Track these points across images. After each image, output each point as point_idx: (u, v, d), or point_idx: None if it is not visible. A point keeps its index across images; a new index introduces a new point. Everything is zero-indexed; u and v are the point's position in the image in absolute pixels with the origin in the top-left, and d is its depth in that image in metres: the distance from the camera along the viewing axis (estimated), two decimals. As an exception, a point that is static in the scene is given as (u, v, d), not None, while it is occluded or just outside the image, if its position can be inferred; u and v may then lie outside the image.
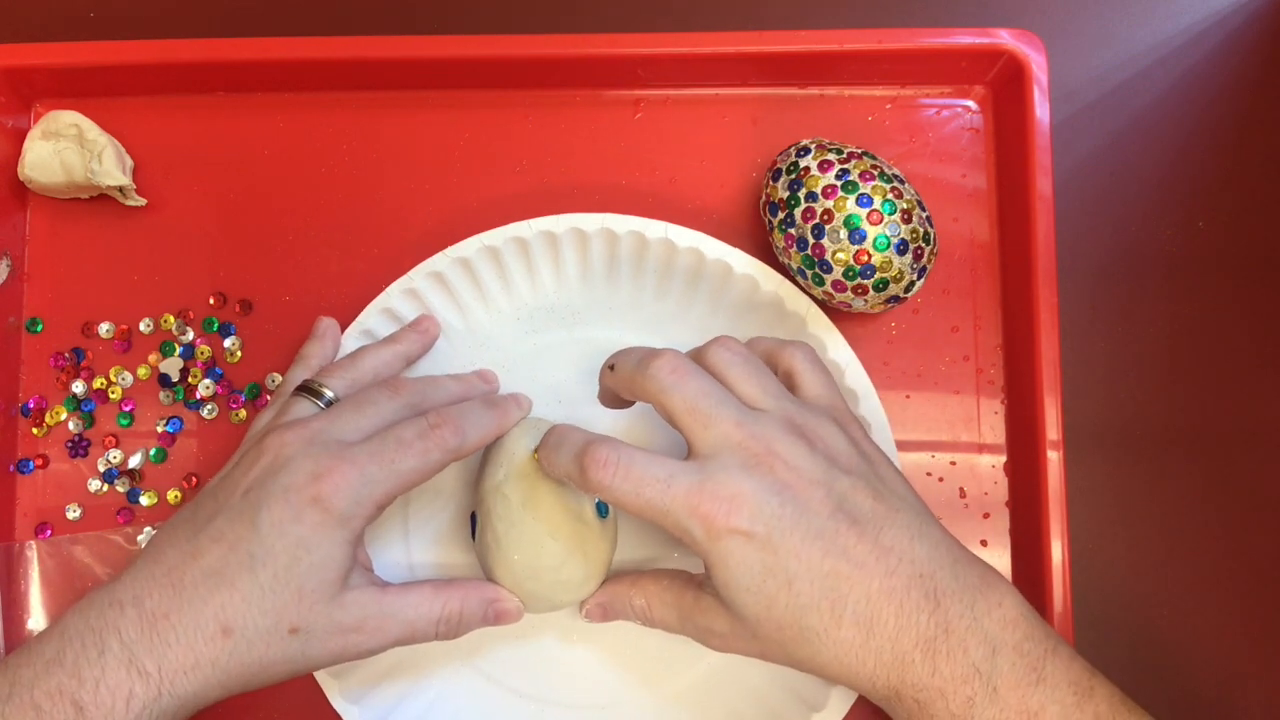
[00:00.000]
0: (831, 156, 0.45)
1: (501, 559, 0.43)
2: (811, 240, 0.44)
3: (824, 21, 0.52)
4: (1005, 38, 0.48)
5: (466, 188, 0.50)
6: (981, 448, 0.49)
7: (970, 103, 0.51)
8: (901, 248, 0.44)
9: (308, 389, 0.43)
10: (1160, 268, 0.51)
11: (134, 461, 0.49)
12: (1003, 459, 0.49)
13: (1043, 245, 0.47)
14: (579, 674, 0.47)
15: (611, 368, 0.42)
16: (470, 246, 0.47)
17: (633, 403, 0.44)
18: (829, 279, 0.45)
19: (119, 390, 0.50)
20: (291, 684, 0.40)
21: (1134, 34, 0.53)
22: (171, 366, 0.50)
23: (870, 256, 0.44)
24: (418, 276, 0.47)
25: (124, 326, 0.50)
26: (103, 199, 0.50)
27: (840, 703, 0.44)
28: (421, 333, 0.47)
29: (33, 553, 0.48)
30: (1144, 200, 0.52)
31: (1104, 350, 0.50)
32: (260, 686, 0.38)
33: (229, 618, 0.37)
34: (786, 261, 0.46)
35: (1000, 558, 0.48)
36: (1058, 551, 0.45)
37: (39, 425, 0.49)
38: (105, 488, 0.49)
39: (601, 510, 0.43)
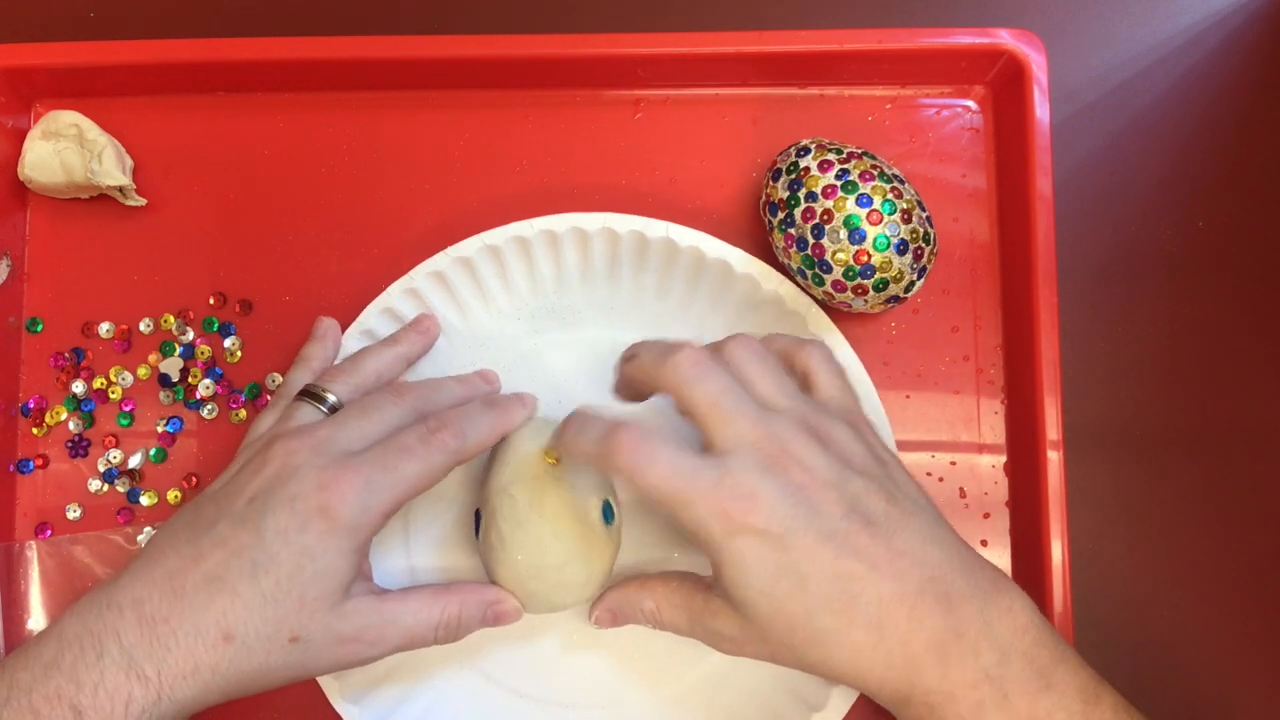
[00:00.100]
0: (831, 156, 0.45)
1: (505, 558, 0.43)
2: (811, 240, 0.44)
3: (824, 21, 0.52)
4: (1005, 38, 0.48)
5: (466, 188, 0.50)
6: (981, 448, 0.49)
7: (970, 103, 0.51)
8: (901, 248, 0.44)
9: (310, 394, 0.43)
10: (1160, 268, 0.51)
11: (134, 461, 0.49)
12: (1003, 459, 0.49)
13: (1043, 245, 0.47)
14: (580, 675, 0.47)
15: (631, 359, 0.42)
16: (471, 246, 0.47)
17: (648, 396, 0.44)
18: (829, 279, 0.45)
19: (119, 390, 0.50)
20: (293, 685, 0.40)
21: (1134, 34, 0.53)
22: (171, 366, 0.50)
23: (870, 256, 0.44)
24: (418, 276, 0.47)
25: (124, 326, 0.50)
26: (103, 199, 0.50)
27: (840, 703, 0.44)
28: (422, 332, 0.47)
29: (33, 553, 0.48)
30: (1144, 200, 0.52)
31: (1104, 350, 0.50)
32: (259, 692, 0.38)
33: (230, 624, 0.37)
34: (786, 261, 0.46)
35: (1000, 558, 0.48)
36: (1058, 551, 0.45)
37: (39, 425, 0.49)
38: (105, 488, 0.49)
39: (608, 516, 0.43)
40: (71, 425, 0.49)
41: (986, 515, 0.49)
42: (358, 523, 0.38)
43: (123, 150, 0.50)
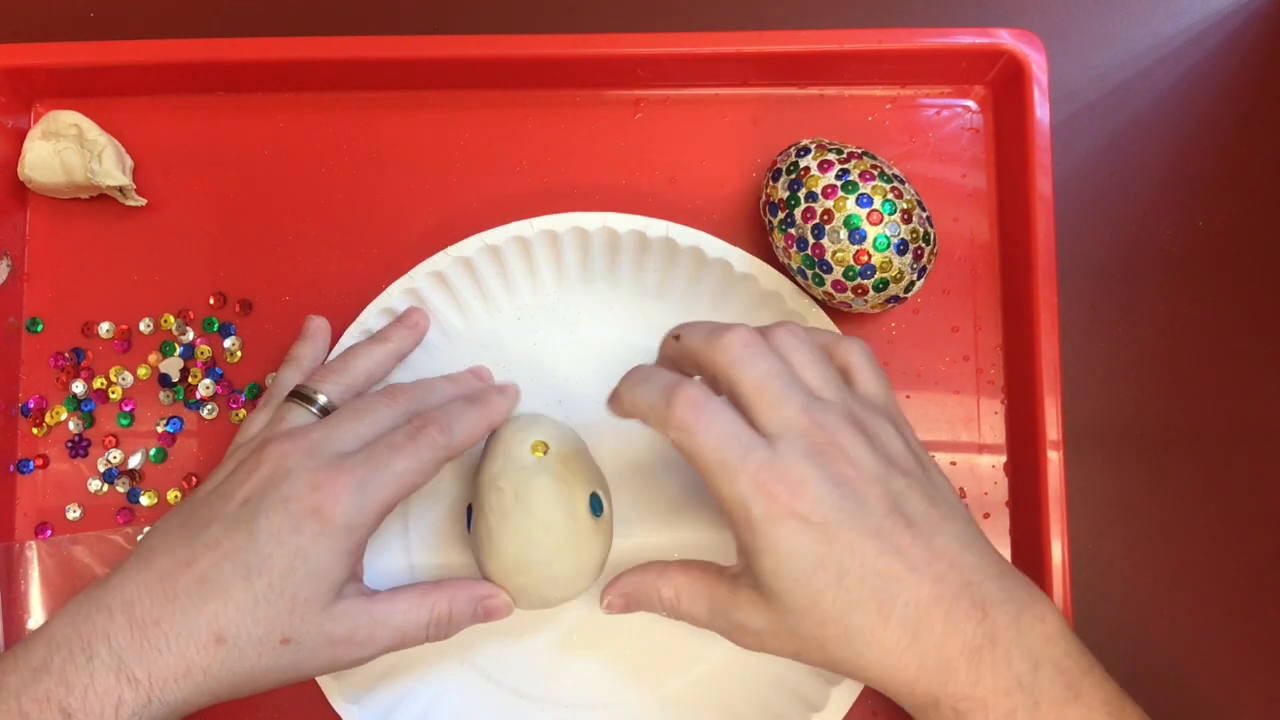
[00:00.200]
0: (831, 156, 0.45)
1: (493, 552, 0.43)
2: (811, 240, 0.44)
3: (824, 21, 0.52)
4: (1005, 38, 0.48)
5: (466, 188, 0.50)
6: (981, 448, 0.49)
7: (970, 103, 0.51)
8: (901, 248, 0.44)
9: (301, 395, 0.43)
10: (1160, 268, 0.51)
11: (134, 461, 0.49)
12: (1003, 459, 0.49)
13: (1043, 245, 0.47)
14: (579, 673, 0.47)
15: (677, 338, 0.41)
16: (471, 246, 0.47)
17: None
18: (829, 279, 0.45)
19: (119, 390, 0.50)
20: (285, 686, 0.40)
21: (1134, 34, 0.53)
22: (171, 366, 0.50)
23: (870, 256, 0.44)
24: (418, 276, 0.47)
25: (124, 326, 0.50)
26: (103, 199, 0.50)
27: (840, 703, 0.44)
28: (411, 327, 0.47)
29: (33, 553, 0.48)
30: (1144, 200, 0.52)
31: (1104, 350, 0.50)
32: (250, 694, 0.38)
33: (222, 626, 0.37)
34: (786, 261, 0.46)
35: (1000, 558, 0.48)
36: (1058, 551, 0.45)
37: (39, 425, 0.49)
38: (105, 488, 0.49)
39: (596, 509, 0.43)
40: (71, 425, 0.49)
41: (986, 515, 0.49)
42: (351, 524, 0.38)
43: (123, 150, 0.50)
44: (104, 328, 0.50)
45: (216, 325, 0.50)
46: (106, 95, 0.51)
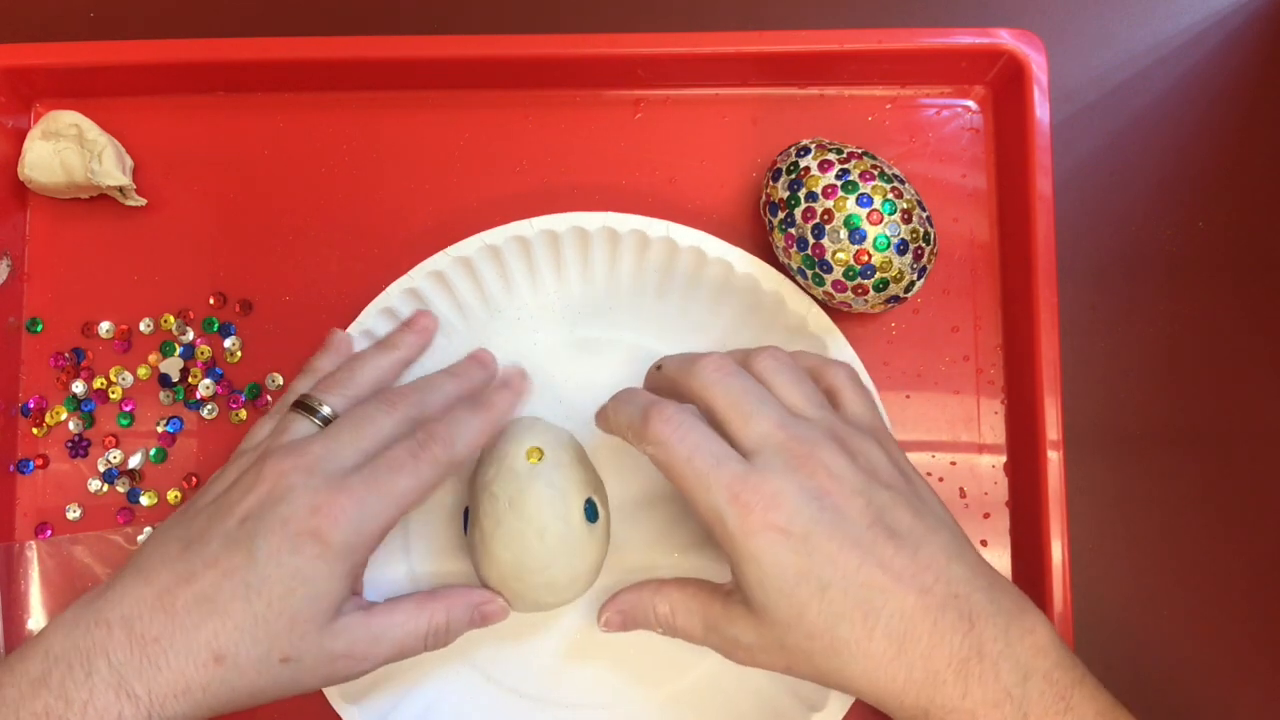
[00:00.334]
0: (831, 156, 0.45)
1: (488, 556, 0.43)
2: (811, 240, 0.44)
3: (824, 21, 0.52)
4: (1005, 38, 0.48)
5: (466, 188, 0.50)
6: (981, 448, 0.49)
7: (970, 103, 0.51)
8: (901, 248, 0.44)
9: (304, 405, 0.42)
10: (1160, 268, 0.51)
11: (134, 461, 0.49)
12: (1003, 459, 0.49)
13: (1043, 245, 0.47)
14: (580, 674, 0.47)
15: (659, 368, 0.43)
16: (471, 245, 0.47)
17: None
18: (829, 279, 0.45)
19: (119, 390, 0.50)
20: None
21: (1134, 34, 0.53)
22: (171, 366, 0.50)
23: (870, 256, 0.44)
24: (418, 276, 0.47)
25: (124, 326, 0.50)
26: (103, 199, 0.50)
27: (839, 704, 0.44)
28: (419, 332, 0.47)
29: (33, 553, 0.48)
30: (1144, 200, 0.52)
31: (1104, 350, 0.50)
32: (249, 708, 0.38)
33: (221, 646, 0.36)
34: (787, 261, 0.46)
35: (1000, 558, 0.48)
36: (1058, 551, 0.45)
37: (39, 425, 0.49)
38: (105, 488, 0.49)
39: (590, 515, 0.43)
40: (71, 425, 0.49)
41: (986, 515, 0.49)
42: (350, 545, 0.38)
43: (123, 150, 0.50)
44: (104, 328, 0.50)
45: (216, 325, 0.50)
46: (106, 95, 0.50)
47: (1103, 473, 0.49)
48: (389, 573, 0.47)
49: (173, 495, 0.49)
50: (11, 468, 0.49)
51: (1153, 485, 0.50)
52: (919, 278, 0.45)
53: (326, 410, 0.42)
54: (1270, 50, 0.53)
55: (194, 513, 0.40)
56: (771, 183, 0.46)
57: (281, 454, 0.39)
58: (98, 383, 0.49)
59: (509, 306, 0.49)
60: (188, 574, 0.37)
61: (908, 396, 0.49)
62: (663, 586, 0.43)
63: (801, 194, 0.45)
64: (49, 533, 0.48)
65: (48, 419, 0.49)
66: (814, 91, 0.51)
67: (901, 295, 0.45)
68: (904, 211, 0.44)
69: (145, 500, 0.49)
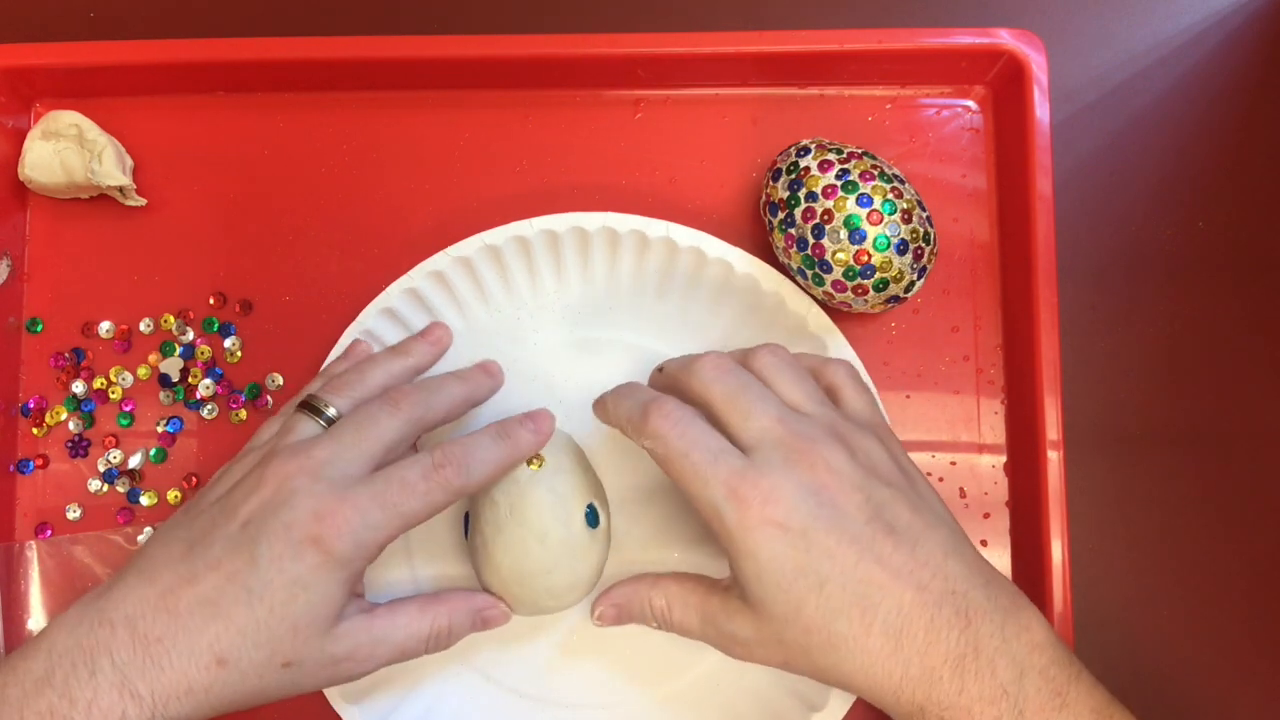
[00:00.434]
0: (831, 156, 0.45)
1: (488, 563, 0.43)
2: (811, 240, 0.44)
3: (824, 21, 0.52)
4: (1005, 38, 0.48)
5: (466, 188, 0.50)
6: (981, 448, 0.49)
7: (970, 103, 0.51)
8: (901, 248, 0.44)
9: (310, 406, 0.42)
10: (1160, 268, 0.51)
11: (134, 461, 0.49)
12: (1003, 459, 0.49)
13: (1043, 245, 0.47)
14: (579, 674, 0.47)
15: (660, 370, 0.43)
16: (471, 245, 0.47)
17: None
18: (829, 279, 0.45)
19: (119, 390, 0.50)
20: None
21: (1134, 34, 0.53)
22: (171, 366, 0.50)
23: (870, 256, 0.44)
24: (418, 276, 0.47)
25: (124, 326, 0.50)
26: (103, 199, 0.50)
27: (840, 703, 0.44)
28: (433, 343, 0.46)
29: (33, 553, 0.48)
30: (1144, 200, 0.52)
31: (1104, 350, 0.50)
32: (250, 708, 0.38)
33: (224, 649, 0.36)
34: (786, 261, 0.46)
35: (1000, 558, 0.48)
36: (1058, 551, 0.45)
37: (39, 425, 0.49)
38: (105, 488, 0.49)
39: (591, 520, 0.43)
40: (71, 425, 0.49)
41: (986, 515, 0.49)
42: (351, 556, 0.38)
43: (123, 150, 0.50)
44: (104, 328, 0.50)
45: (216, 325, 0.50)
46: (106, 95, 0.50)
47: (1103, 473, 0.49)
48: (391, 575, 0.47)
49: (173, 495, 0.49)
50: (11, 468, 0.49)
51: (1153, 485, 0.50)
52: (919, 278, 0.45)
53: (332, 411, 0.41)
54: (1270, 50, 0.53)
55: (197, 512, 0.40)
56: (771, 183, 0.46)
57: (285, 456, 0.39)
58: (98, 383, 0.49)
59: (509, 306, 0.49)
60: (190, 575, 0.37)
61: (908, 396, 0.49)
62: (659, 580, 0.43)
63: (801, 194, 0.45)
64: (49, 533, 0.49)
65: (48, 419, 0.49)
66: (814, 91, 0.51)
67: (901, 295, 0.45)
68: (904, 211, 0.44)
69: (145, 500, 0.49)
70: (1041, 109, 0.48)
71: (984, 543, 0.48)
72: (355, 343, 0.47)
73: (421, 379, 0.45)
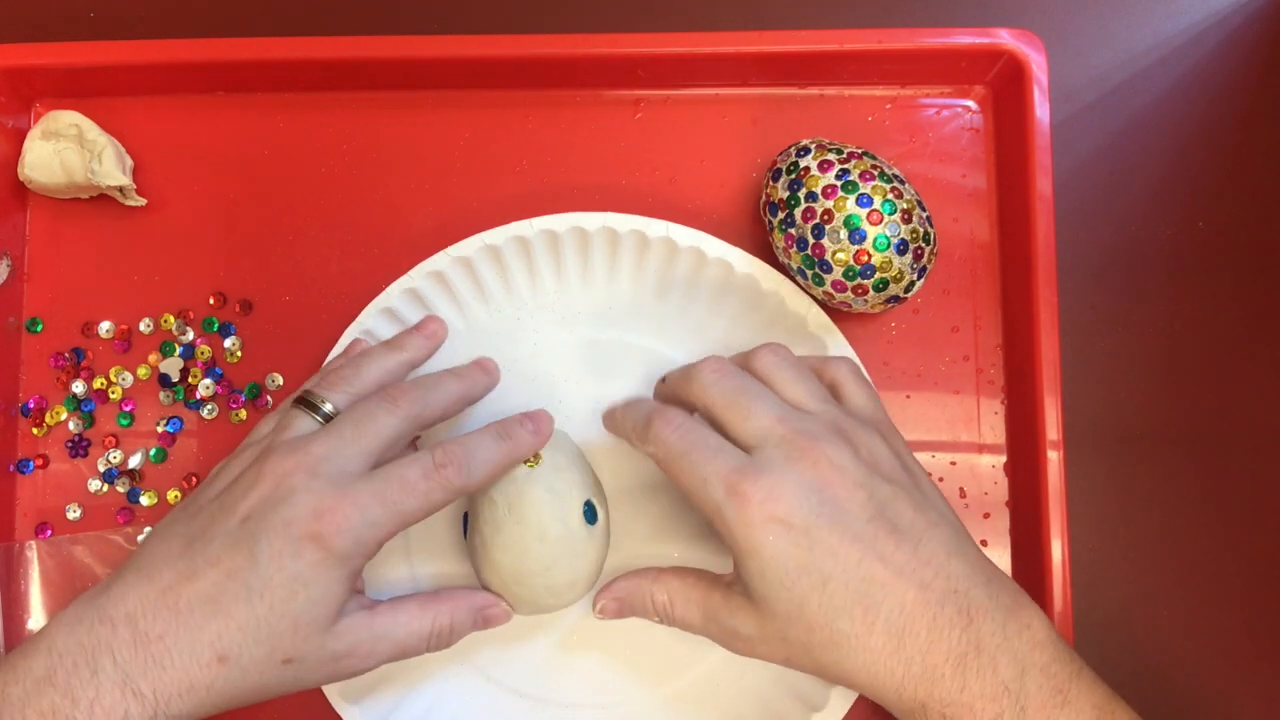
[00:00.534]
0: (831, 156, 0.45)
1: (488, 561, 0.43)
2: (811, 240, 0.44)
3: (824, 21, 0.52)
4: (1005, 38, 0.48)
5: (466, 188, 0.50)
6: (981, 448, 0.49)
7: (970, 103, 0.51)
8: (901, 248, 0.44)
9: (307, 401, 0.42)
10: (1160, 268, 0.51)
11: (134, 461, 0.49)
12: (1003, 459, 0.49)
13: (1043, 245, 0.47)
14: (580, 674, 0.47)
15: (663, 380, 0.44)
16: (471, 245, 0.47)
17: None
18: (829, 279, 0.45)
19: (119, 390, 0.50)
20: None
21: (1134, 34, 0.53)
22: (171, 366, 0.50)
23: (870, 256, 0.44)
24: (418, 276, 0.47)
25: (124, 326, 0.50)
26: (103, 199, 0.50)
27: (840, 703, 0.44)
28: (428, 337, 0.46)
29: (33, 553, 0.48)
30: (1144, 200, 0.52)
31: (1104, 350, 0.50)
32: (251, 704, 0.38)
33: (225, 646, 0.36)
34: (786, 261, 0.46)
35: (1000, 558, 0.48)
36: (1058, 551, 0.45)
37: (39, 425, 0.49)
38: (105, 488, 0.49)
39: (589, 517, 0.43)
40: (71, 425, 0.49)
41: (986, 515, 0.49)
42: (351, 553, 0.38)
43: (123, 150, 0.50)
44: (104, 328, 0.50)
45: (216, 325, 0.50)
46: (106, 95, 0.50)
47: (1103, 473, 0.49)
48: (390, 575, 0.47)
49: (173, 495, 0.49)
50: (11, 468, 0.49)
51: (1153, 485, 0.50)
52: (919, 278, 0.45)
53: (328, 407, 0.41)
54: (1270, 50, 0.53)
55: (195, 509, 0.40)
56: (771, 183, 0.46)
57: (284, 452, 0.39)
58: (98, 383, 0.49)
59: (509, 307, 0.49)
60: (190, 572, 0.37)
61: (908, 396, 0.49)
62: (661, 575, 0.43)
63: (801, 194, 0.45)
64: (49, 533, 0.49)
65: (48, 419, 0.49)
66: (814, 91, 0.51)
67: (901, 295, 0.45)
68: (904, 211, 0.44)
69: (145, 500, 0.49)
70: (1041, 109, 0.48)
71: (984, 542, 0.48)
72: (355, 342, 0.47)
73: (419, 376, 0.45)
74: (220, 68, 0.49)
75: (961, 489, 0.49)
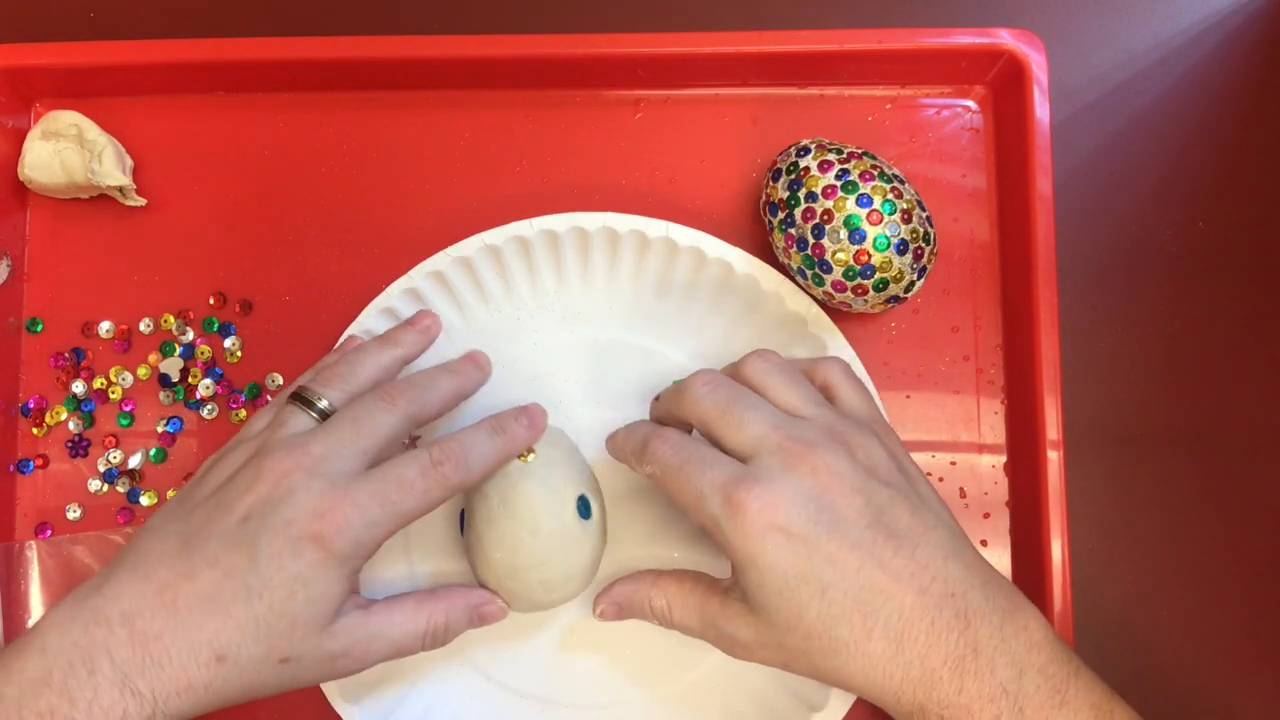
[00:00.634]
0: (831, 156, 0.45)
1: (483, 557, 0.43)
2: (811, 240, 0.44)
3: (824, 21, 0.52)
4: (1005, 38, 0.48)
5: (466, 188, 0.50)
6: (981, 448, 0.49)
7: (970, 103, 0.51)
8: (901, 248, 0.44)
9: (302, 398, 0.41)
10: (1160, 268, 0.51)
11: (134, 461, 0.49)
12: (1003, 459, 0.49)
13: (1043, 245, 0.47)
14: (579, 674, 0.47)
15: (657, 399, 0.45)
16: (471, 245, 0.47)
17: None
18: (829, 279, 0.45)
19: (119, 390, 0.50)
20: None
21: (1134, 34, 0.53)
22: (171, 366, 0.50)
23: (870, 256, 0.44)
24: (418, 276, 0.47)
25: (124, 326, 0.50)
26: (103, 199, 0.50)
27: (840, 704, 0.44)
28: (421, 331, 0.46)
29: (33, 553, 0.48)
30: (1144, 200, 0.52)
31: (1104, 350, 0.50)
32: (247, 702, 0.38)
33: (223, 645, 0.36)
34: (786, 262, 0.46)
35: (1000, 558, 0.48)
36: (1058, 551, 0.45)
37: (39, 425, 0.49)
38: (105, 488, 0.49)
39: (583, 511, 0.43)
40: (71, 425, 0.49)
41: (986, 515, 0.49)
42: (351, 553, 0.38)
43: (123, 150, 0.50)
44: (104, 328, 0.50)
45: (216, 325, 0.50)
46: (106, 95, 0.51)
47: (1103, 473, 0.49)
48: (389, 573, 0.47)
49: (173, 495, 0.49)
50: (11, 468, 0.49)
51: (1153, 485, 0.50)
52: (919, 278, 0.45)
53: (324, 404, 0.41)
54: (1270, 50, 0.53)
55: (191, 506, 0.39)
56: (771, 183, 0.46)
57: (282, 451, 0.39)
58: (98, 383, 0.49)
59: (509, 306, 0.49)
60: (188, 571, 0.37)
61: (908, 396, 0.49)
62: (660, 579, 0.43)
63: (801, 194, 0.45)
64: (49, 533, 0.49)
65: (48, 419, 0.49)
66: (814, 91, 0.51)
67: (901, 295, 0.45)
68: (904, 211, 0.44)
69: (145, 500, 0.49)
70: (1041, 109, 0.48)
71: (984, 543, 0.48)
72: (349, 339, 0.47)
73: (413, 373, 0.45)
74: (220, 68, 0.49)
75: (961, 489, 0.49)
